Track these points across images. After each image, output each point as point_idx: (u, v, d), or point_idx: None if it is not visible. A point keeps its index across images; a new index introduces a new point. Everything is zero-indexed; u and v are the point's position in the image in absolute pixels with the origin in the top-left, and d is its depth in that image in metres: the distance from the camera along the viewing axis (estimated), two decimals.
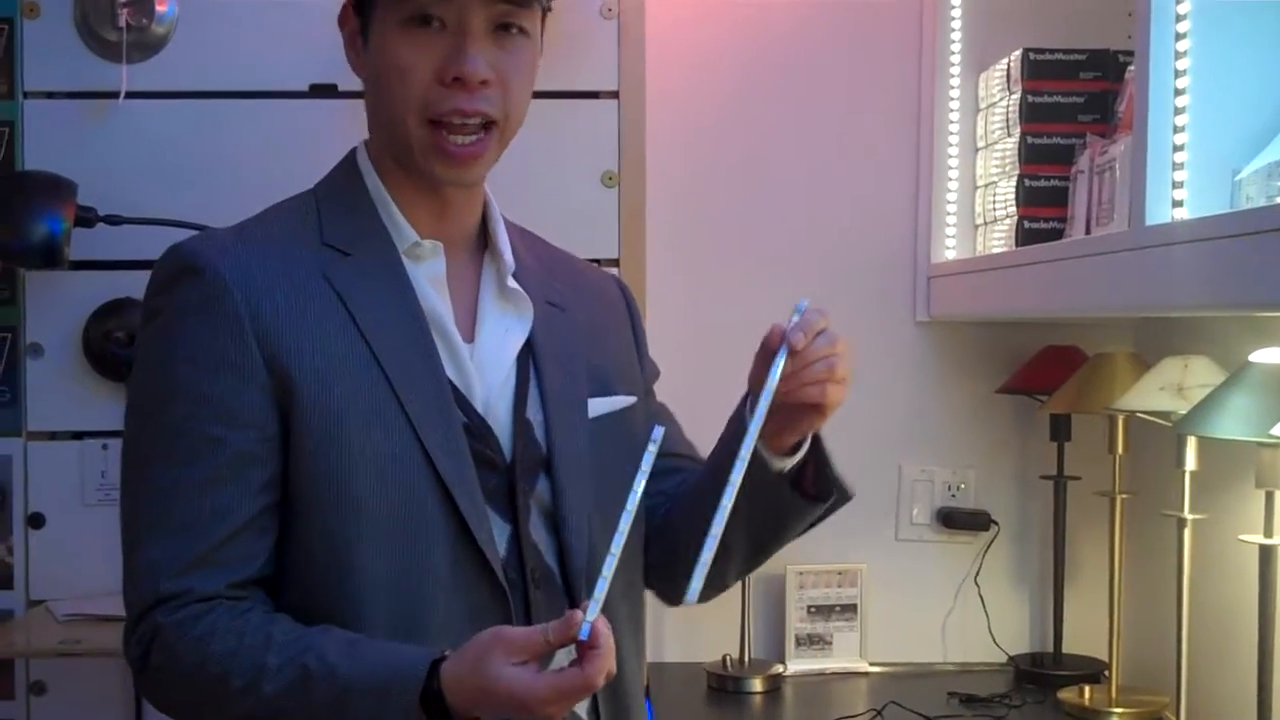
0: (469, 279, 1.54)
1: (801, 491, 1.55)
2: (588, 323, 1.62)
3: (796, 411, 1.47)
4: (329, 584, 1.39)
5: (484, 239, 1.57)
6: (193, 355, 1.39)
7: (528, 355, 1.53)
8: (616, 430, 1.58)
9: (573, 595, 1.48)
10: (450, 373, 1.45)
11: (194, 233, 1.74)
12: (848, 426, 2.66)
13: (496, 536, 1.44)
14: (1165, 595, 2.17)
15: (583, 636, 1.25)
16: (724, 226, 2.71)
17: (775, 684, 2.56)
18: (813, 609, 2.66)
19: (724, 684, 2.54)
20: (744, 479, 1.38)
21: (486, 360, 1.49)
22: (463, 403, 1.45)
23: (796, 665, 2.63)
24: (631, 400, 1.62)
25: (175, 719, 1.46)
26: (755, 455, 1.42)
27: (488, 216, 1.57)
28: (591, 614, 1.25)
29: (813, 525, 1.61)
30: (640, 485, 1.31)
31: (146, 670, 1.39)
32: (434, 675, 1.28)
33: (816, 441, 1.54)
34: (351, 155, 1.54)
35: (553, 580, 1.49)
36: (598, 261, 2.36)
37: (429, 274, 1.48)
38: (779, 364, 1.43)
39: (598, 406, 1.57)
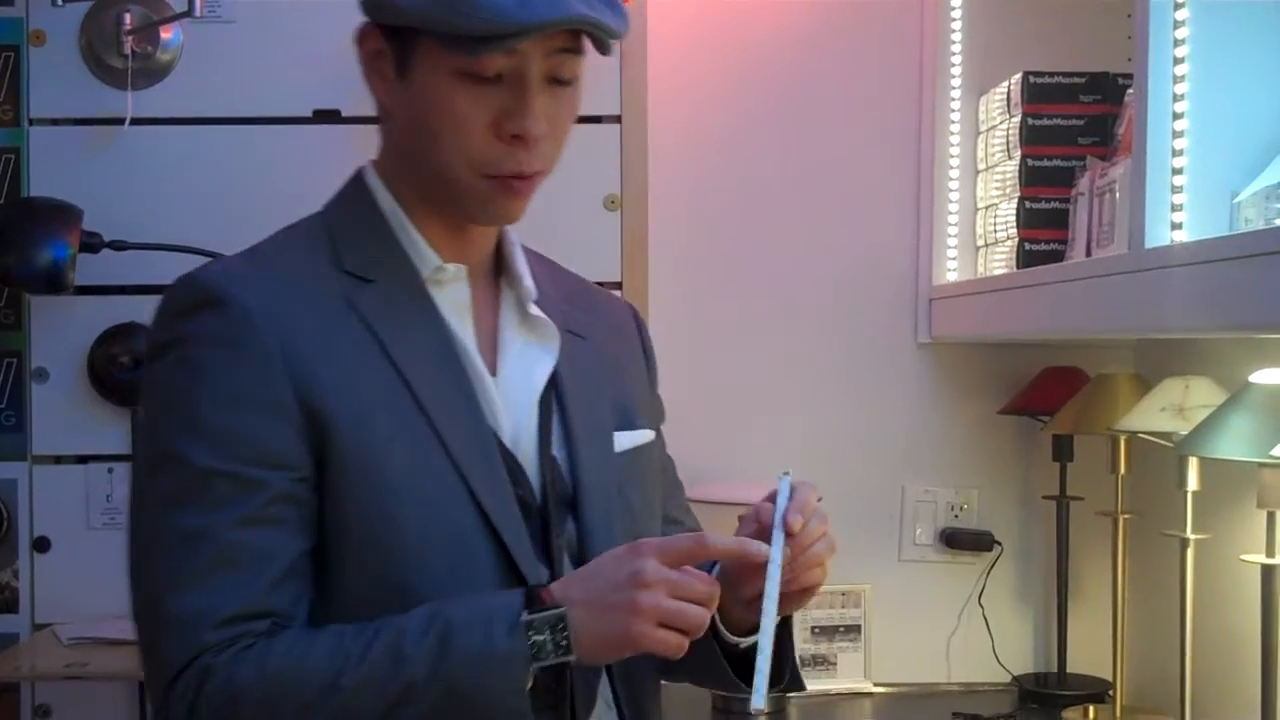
0: (487, 306, 1.47)
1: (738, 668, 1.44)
2: (609, 353, 1.56)
3: (784, 596, 1.35)
4: None
5: (498, 263, 1.50)
6: (219, 391, 1.30)
7: (550, 388, 1.45)
8: (639, 467, 1.52)
9: None
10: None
11: (202, 259, 1.75)
12: (851, 447, 2.71)
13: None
14: (1168, 615, 2.17)
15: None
16: (726, 249, 2.72)
17: (779, 705, 2.55)
18: (817, 630, 2.66)
19: (729, 705, 2.53)
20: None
21: (512, 394, 1.42)
22: (495, 440, 1.39)
23: None
24: (652, 435, 1.57)
25: None
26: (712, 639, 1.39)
27: (503, 239, 1.50)
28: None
29: None
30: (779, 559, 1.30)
31: None
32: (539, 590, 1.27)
33: (784, 624, 1.44)
34: (359, 178, 1.46)
35: None
36: (599, 285, 2.37)
37: (452, 301, 1.41)
38: (779, 547, 1.33)
39: (623, 441, 1.50)
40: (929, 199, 2.69)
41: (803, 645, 2.65)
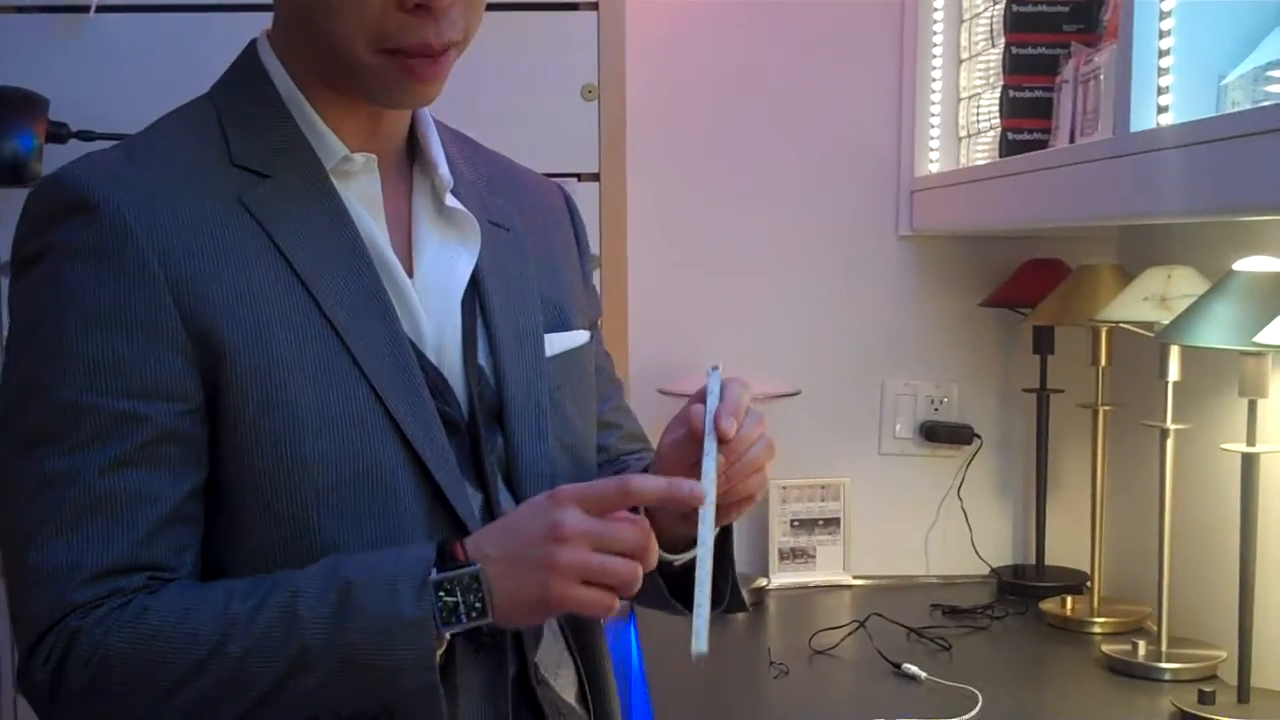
0: (400, 199, 1.32)
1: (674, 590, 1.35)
2: (537, 244, 1.41)
3: (720, 509, 1.22)
4: None
5: (411, 148, 1.35)
6: (90, 312, 1.14)
7: (471, 287, 1.32)
8: (573, 371, 1.40)
9: None
10: (398, 314, 1.25)
11: None
12: (831, 341, 2.70)
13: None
14: (1147, 506, 2.17)
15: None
16: (706, 141, 2.68)
17: (758, 597, 2.56)
18: (796, 523, 2.66)
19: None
20: None
21: (432, 297, 1.28)
22: (414, 351, 1.25)
23: (780, 579, 2.64)
24: (586, 336, 1.44)
25: None
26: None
27: (416, 120, 1.35)
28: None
29: None
30: (713, 479, 1.19)
31: (60, 694, 1.14)
32: (452, 545, 1.15)
33: (724, 538, 1.32)
34: (253, 54, 1.30)
35: None
36: (577, 177, 2.34)
37: (362, 195, 1.26)
38: (713, 458, 1.20)
39: (555, 343, 1.38)
40: (911, 89, 2.65)
41: (781, 538, 2.65)
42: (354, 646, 1.11)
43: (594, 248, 2.32)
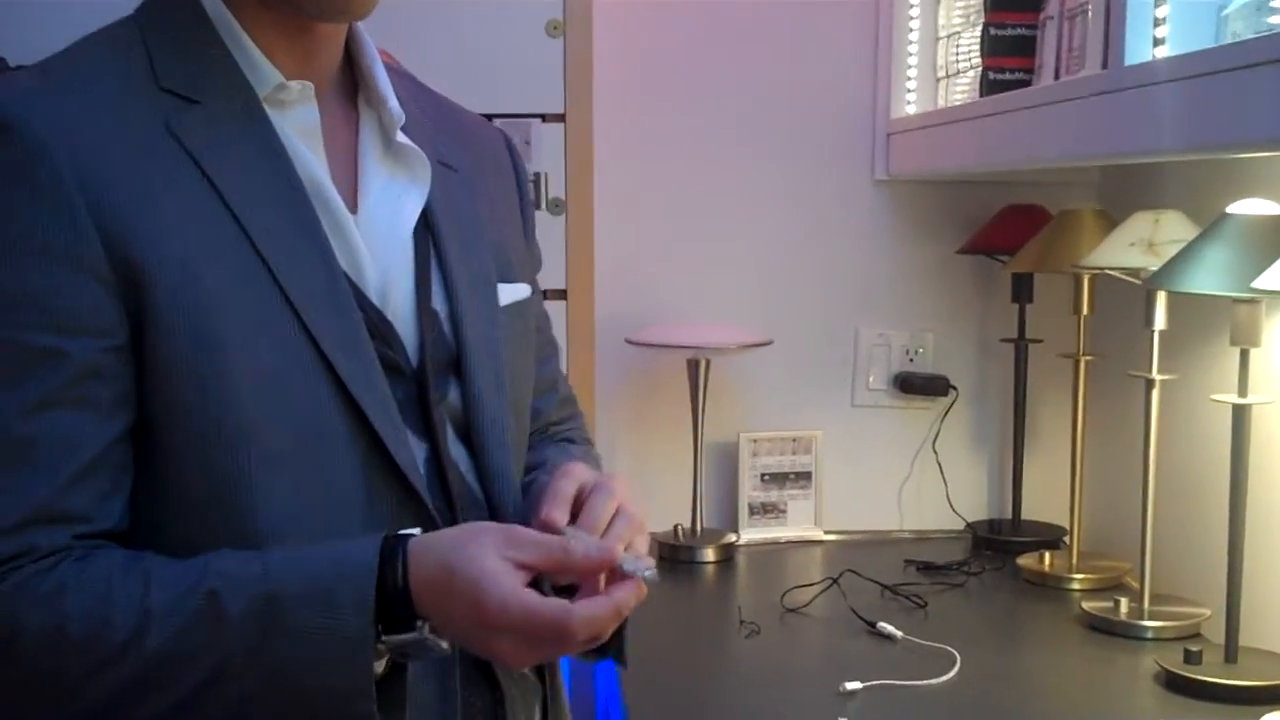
0: (342, 132, 1.25)
1: None
2: (485, 189, 1.36)
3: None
4: (216, 528, 1.11)
5: (350, 78, 1.28)
6: (7, 241, 1.07)
7: (424, 229, 1.26)
8: (516, 326, 1.34)
9: (500, 522, 1.23)
10: (336, 252, 1.18)
11: None
12: (804, 289, 2.62)
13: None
14: (1128, 460, 2.12)
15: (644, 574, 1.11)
16: (675, 79, 2.59)
17: (728, 554, 2.50)
18: (766, 477, 2.60)
19: (676, 554, 2.48)
20: None
21: (377, 236, 1.22)
22: (354, 291, 1.18)
23: (750, 534, 2.58)
24: (529, 291, 1.38)
25: None
26: None
27: (356, 50, 1.27)
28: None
29: None
30: None
31: None
32: (395, 560, 1.07)
33: None
34: None
35: (479, 505, 1.26)
36: (541, 117, 2.26)
37: (299, 125, 1.19)
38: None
39: (506, 293, 1.32)
40: (887, 27, 2.58)
41: (752, 493, 2.59)
42: (283, 662, 1.05)
43: (559, 191, 2.27)
